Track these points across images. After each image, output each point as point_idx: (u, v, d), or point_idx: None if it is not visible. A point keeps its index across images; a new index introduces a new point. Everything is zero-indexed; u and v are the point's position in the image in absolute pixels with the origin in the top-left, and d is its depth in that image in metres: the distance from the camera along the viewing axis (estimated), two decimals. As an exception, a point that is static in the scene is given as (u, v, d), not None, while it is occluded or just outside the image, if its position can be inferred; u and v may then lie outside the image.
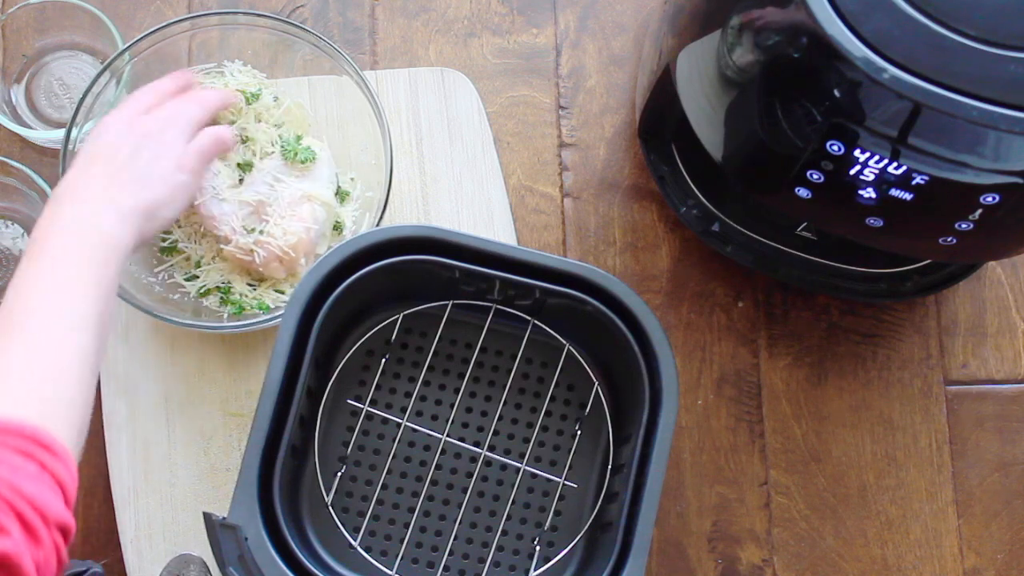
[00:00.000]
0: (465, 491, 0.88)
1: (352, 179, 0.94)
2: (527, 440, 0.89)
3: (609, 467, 0.88)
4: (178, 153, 0.81)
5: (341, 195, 0.93)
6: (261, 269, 0.89)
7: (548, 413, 0.89)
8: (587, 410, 0.89)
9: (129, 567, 0.90)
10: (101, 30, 0.94)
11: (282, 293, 0.90)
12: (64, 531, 0.59)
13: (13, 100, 0.98)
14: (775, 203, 0.80)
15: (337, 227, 0.93)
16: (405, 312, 0.90)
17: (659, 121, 0.93)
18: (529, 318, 0.89)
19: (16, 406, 0.61)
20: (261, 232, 0.88)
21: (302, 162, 0.90)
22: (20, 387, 0.63)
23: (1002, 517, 0.95)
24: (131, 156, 0.78)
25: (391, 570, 0.85)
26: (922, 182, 0.69)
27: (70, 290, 0.69)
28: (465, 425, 0.89)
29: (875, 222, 0.75)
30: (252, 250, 0.88)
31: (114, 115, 0.81)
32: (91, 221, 0.73)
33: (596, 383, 0.90)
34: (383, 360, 0.90)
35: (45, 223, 0.73)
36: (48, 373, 0.64)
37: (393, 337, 0.90)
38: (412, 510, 0.87)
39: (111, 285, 0.72)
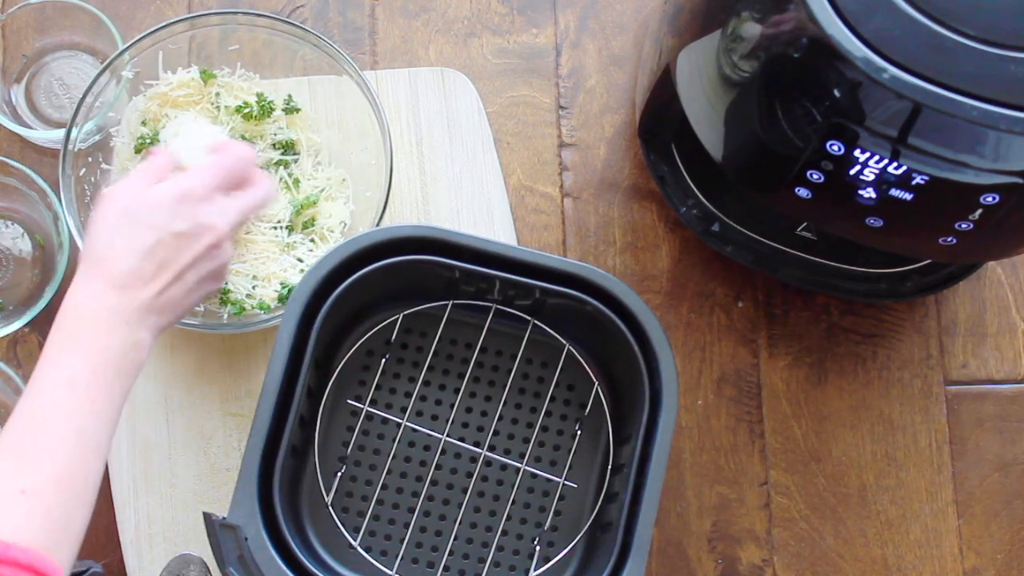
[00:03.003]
0: (465, 491, 0.88)
1: (344, 180, 0.94)
2: (527, 440, 0.89)
3: (609, 467, 0.88)
4: (223, 264, 0.76)
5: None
6: None
7: (548, 413, 0.89)
8: (587, 410, 0.89)
9: (129, 567, 0.90)
10: (101, 30, 0.94)
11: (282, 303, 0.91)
12: None
13: (13, 100, 0.98)
14: (775, 203, 0.80)
15: None
16: (405, 312, 0.90)
17: (659, 121, 0.93)
18: (529, 318, 0.89)
19: (29, 530, 0.61)
20: None
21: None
22: (37, 510, 0.62)
23: (1002, 517, 0.95)
24: (185, 269, 0.73)
25: (391, 570, 0.85)
26: (922, 182, 0.69)
27: (95, 409, 0.67)
28: (465, 425, 0.89)
29: (875, 222, 0.75)
30: None
31: (164, 192, 0.73)
32: (129, 335, 0.70)
33: (596, 383, 0.90)
34: (383, 360, 0.90)
35: (79, 310, 0.69)
36: (63, 498, 0.64)
37: (393, 337, 0.90)
38: (412, 510, 0.87)
39: (125, 400, 0.70)
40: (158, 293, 0.72)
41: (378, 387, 0.89)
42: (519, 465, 0.88)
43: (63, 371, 0.67)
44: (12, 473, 0.63)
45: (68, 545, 0.64)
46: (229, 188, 0.77)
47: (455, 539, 0.87)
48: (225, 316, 0.89)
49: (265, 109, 0.92)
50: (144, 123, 0.92)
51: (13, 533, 0.61)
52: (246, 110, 0.92)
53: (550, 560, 0.87)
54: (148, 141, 0.91)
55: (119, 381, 0.69)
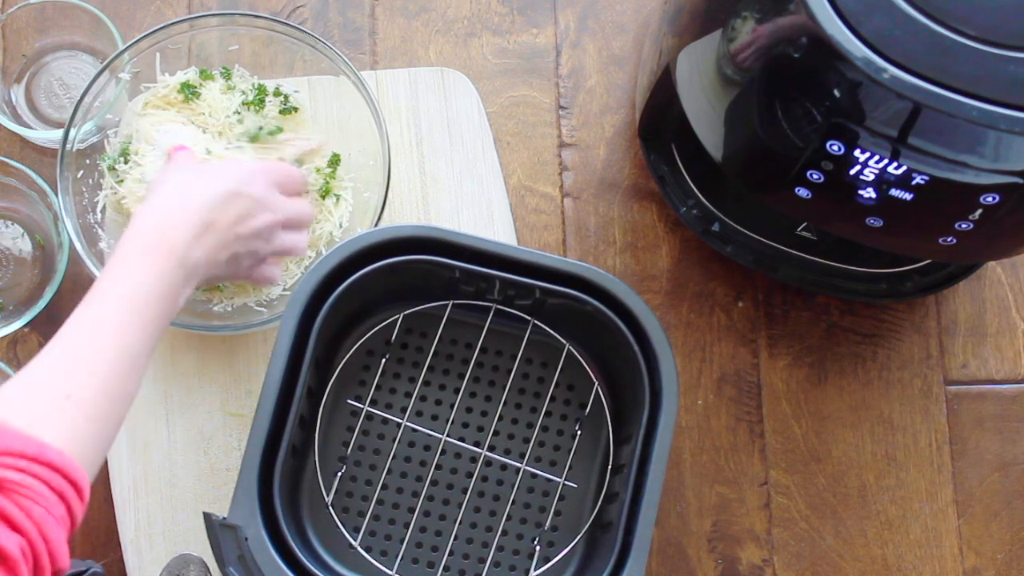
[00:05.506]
0: (465, 491, 0.88)
1: (343, 180, 0.95)
2: (527, 440, 0.89)
3: (609, 467, 0.88)
4: (267, 252, 0.80)
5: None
6: None
7: (548, 413, 0.89)
8: (587, 410, 0.89)
9: (129, 567, 0.90)
10: (101, 30, 0.94)
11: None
12: (59, 573, 0.61)
13: (13, 100, 0.98)
14: (775, 203, 0.80)
15: None
16: (405, 312, 0.90)
17: (659, 121, 0.93)
18: (529, 318, 0.89)
19: (68, 435, 0.62)
20: None
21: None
22: (78, 417, 0.63)
23: (1002, 517, 0.95)
24: (239, 233, 0.77)
25: (391, 570, 0.85)
26: (922, 182, 0.69)
27: (143, 328, 0.69)
28: (465, 425, 0.89)
29: (875, 222, 0.75)
30: None
31: (256, 166, 0.81)
32: (170, 275, 0.72)
33: (596, 383, 0.90)
34: (383, 360, 0.90)
35: (132, 241, 0.72)
36: (102, 411, 0.65)
37: (393, 337, 0.90)
38: (412, 510, 0.87)
39: (161, 332, 0.72)
40: (199, 242, 0.74)
41: (378, 387, 0.89)
42: (519, 465, 0.88)
43: (120, 288, 0.70)
44: (62, 377, 0.65)
45: (95, 460, 0.65)
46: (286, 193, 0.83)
47: (455, 539, 0.87)
48: (228, 309, 0.90)
49: (262, 91, 0.92)
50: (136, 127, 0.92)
51: (52, 435, 0.61)
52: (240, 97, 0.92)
53: (550, 560, 0.87)
54: (130, 144, 0.91)
55: (160, 307, 0.71)
